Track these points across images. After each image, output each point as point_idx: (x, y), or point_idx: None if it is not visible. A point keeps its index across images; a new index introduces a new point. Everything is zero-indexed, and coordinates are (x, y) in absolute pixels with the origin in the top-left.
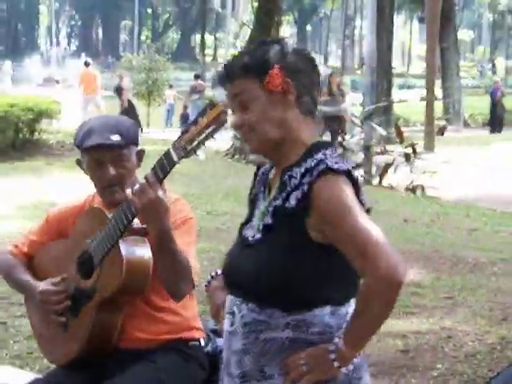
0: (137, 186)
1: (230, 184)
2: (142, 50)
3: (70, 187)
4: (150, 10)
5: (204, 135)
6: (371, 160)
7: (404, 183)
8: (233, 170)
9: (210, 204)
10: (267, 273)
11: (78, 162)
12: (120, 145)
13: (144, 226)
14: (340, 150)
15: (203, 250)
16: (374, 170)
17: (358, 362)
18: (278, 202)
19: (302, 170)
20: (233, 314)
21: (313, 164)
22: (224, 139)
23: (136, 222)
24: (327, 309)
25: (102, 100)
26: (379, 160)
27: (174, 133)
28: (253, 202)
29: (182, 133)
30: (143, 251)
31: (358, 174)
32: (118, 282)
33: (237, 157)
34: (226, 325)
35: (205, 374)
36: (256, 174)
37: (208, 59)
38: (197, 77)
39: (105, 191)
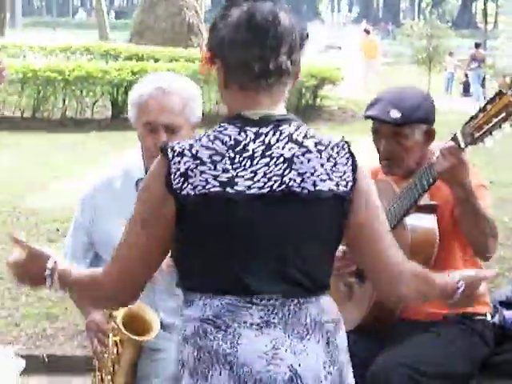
0: (440, 152)
1: None
2: (422, 17)
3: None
4: None
5: (492, 124)
6: None
7: None
8: None
9: (494, 174)
10: None
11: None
12: (397, 122)
13: (432, 202)
14: None
15: None
16: None
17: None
18: None
19: None
20: None
21: None
22: None
23: (424, 199)
24: None
25: (381, 67)
26: None
27: (452, 101)
28: None
29: (471, 118)
30: (428, 223)
31: None
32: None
33: None
34: None
35: (488, 351)
36: None
37: (489, 27)
38: (477, 45)
39: (381, 163)
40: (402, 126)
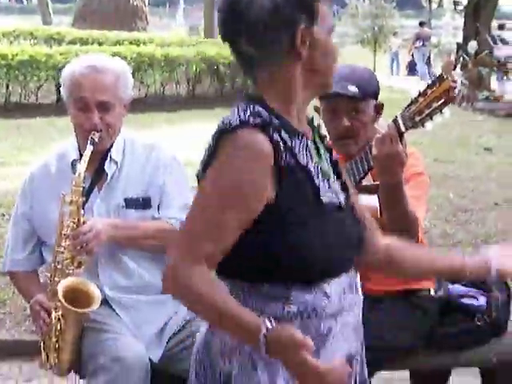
0: (378, 137)
1: (458, 131)
2: None
3: None
4: None
5: (432, 109)
6: None
7: None
8: (460, 118)
9: (438, 151)
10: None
11: (316, 109)
12: (356, 97)
13: (376, 183)
14: None
15: (431, 197)
16: None
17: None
18: (329, 157)
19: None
20: (357, 288)
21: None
22: None
23: (367, 179)
24: None
25: None
26: None
27: (399, 80)
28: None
29: (412, 102)
30: (369, 202)
31: None
32: None
33: (464, 104)
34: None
35: (431, 324)
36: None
37: (434, 6)
38: (422, 24)
39: (337, 142)
40: (359, 101)
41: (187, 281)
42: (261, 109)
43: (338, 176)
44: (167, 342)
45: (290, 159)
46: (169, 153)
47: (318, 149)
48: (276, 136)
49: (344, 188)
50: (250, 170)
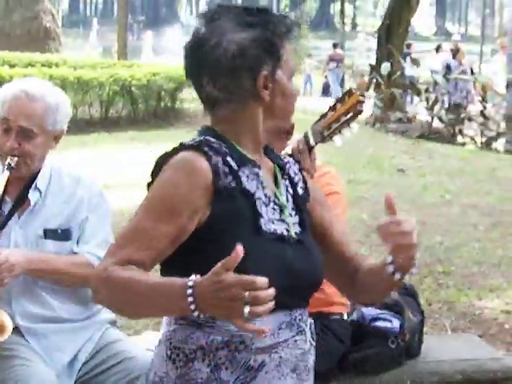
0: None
1: (371, 153)
2: None
3: None
4: None
5: (341, 123)
6: None
7: None
8: (373, 139)
9: (352, 172)
10: (322, 269)
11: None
12: None
13: None
14: (481, 120)
15: None
16: None
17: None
18: (291, 192)
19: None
20: (302, 331)
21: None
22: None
23: None
24: None
25: None
26: None
27: (312, 102)
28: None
29: (322, 116)
30: None
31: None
32: None
33: (377, 125)
34: (290, 350)
35: (344, 349)
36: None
37: (347, 28)
38: (335, 46)
39: None
40: None
41: (110, 274)
42: (211, 138)
43: (299, 211)
44: (81, 368)
45: (231, 183)
46: (96, 187)
47: (276, 180)
48: (218, 159)
49: (302, 224)
50: (181, 185)
